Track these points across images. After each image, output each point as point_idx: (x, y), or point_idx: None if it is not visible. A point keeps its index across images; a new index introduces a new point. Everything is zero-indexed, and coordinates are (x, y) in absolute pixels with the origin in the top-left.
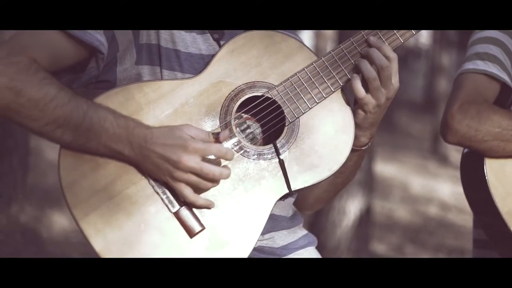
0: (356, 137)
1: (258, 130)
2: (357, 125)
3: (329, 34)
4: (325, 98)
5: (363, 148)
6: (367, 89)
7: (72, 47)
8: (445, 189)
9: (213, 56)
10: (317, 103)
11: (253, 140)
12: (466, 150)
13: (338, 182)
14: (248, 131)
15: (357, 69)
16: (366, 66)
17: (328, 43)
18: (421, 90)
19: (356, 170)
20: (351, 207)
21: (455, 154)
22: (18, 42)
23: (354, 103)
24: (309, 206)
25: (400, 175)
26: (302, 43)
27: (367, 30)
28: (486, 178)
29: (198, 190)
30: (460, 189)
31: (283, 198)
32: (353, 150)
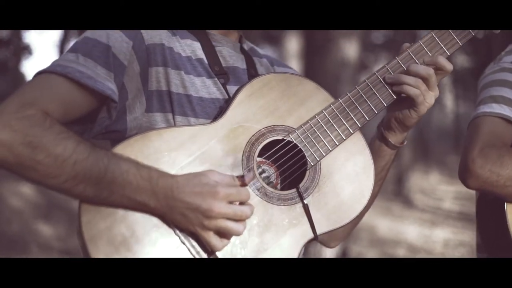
0: (400, 136)
1: (274, 174)
2: (405, 126)
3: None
4: (345, 140)
5: (403, 144)
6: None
7: (83, 96)
8: (412, 231)
9: (231, 100)
10: (337, 145)
11: (269, 185)
12: (481, 193)
13: (376, 191)
14: (263, 175)
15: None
16: (419, 67)
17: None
18: None
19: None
20: (327, 252)
21: (419, 196)
22: (27, 94)
23: (386, 115)
24: (339, 238)
25: (367, 218)
26: (318, 85)
27: (384, 67)
28: (508, 224)
29: (227, 236)
30: (427, 231)
31: (309, 242)
32: (393, 147)
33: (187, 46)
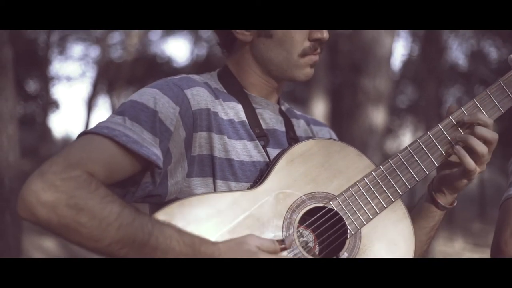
0: (450, 198)
1: (312, 240)
2: (455, 189)
3: None
4: (386, 208)
5: (453, 205)
6: (474, 161)
7: (128, 160)
8: None
9: (272, 165)
10: (378, 213)
11: (306, 249)
12: None
13: (424, 251)
14: (301, 239)
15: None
16: (477, 143)
17: None
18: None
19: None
20: None
21: None
22: (72, 155)
23: (437, 174)
24: None
25: None
26: (360, 152)
27: (441, 125)
28: None
29: None
30: None
31: None
32: (443, 209)
33: (230, 108)
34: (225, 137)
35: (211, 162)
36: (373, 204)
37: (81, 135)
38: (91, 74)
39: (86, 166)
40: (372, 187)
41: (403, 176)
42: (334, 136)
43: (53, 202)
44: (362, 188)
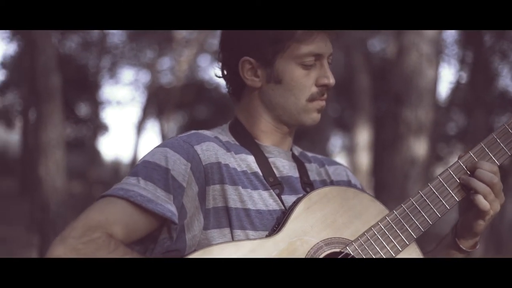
0: (471, 241)
1: None
2: (474, 232)
3: None
4: (401, 251)
5: (476, 248)
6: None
7: (144, 219)
8: None
9: (288, 213)
10: (394, 256)
11: None
12: None
13: None
14: None
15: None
16: (478, 184)
17: None
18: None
19: None
20: None
21: None
22: (91, 218)
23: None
24: None
25: None
26: (373, 197)
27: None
28: None
29: None
30: None
31: None
32: (465, 252)
33: (242, 160)
34: (240, 187)
35: (226, 214)
36: (388, 248)
37: (99, 198)
38: (141, 99)
39: (105, 227)
40: (387, 231)
41: (416, 220)
42: (349, 174)
43: None
44: (377, 233)
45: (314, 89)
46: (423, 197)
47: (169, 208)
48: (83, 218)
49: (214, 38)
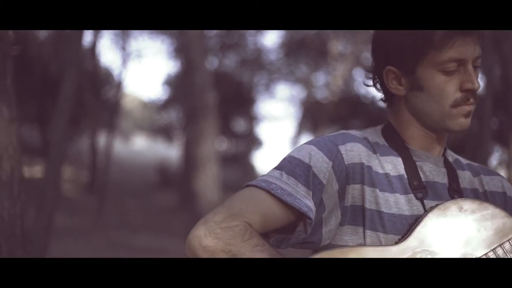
0: None
1: None
2: None
3: None
4: None
5: None
6: None
7: (282, 211)
8: None
9: (419, 220)
10: None
11: None
12: None
13: None
14: None
15: None
16: None
17: None
18: None
19: None
20: None
21: None
22: (233, 206)
23: None
24: None
25: None
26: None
27: None
28: None
29: None
30: None
31: None
32: None
33: (388, 163)
34: (377, 190)
35: (362, 213)
36: None
37: (244, 187)
38: (296, 114)
39: (244, 216)
40: None
41: None
42: (506, 185)
43: (212, 248)
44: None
45: (458, 95)
46: None
47: (306, 203)
48: (227, 204)
49: (368, 52)
